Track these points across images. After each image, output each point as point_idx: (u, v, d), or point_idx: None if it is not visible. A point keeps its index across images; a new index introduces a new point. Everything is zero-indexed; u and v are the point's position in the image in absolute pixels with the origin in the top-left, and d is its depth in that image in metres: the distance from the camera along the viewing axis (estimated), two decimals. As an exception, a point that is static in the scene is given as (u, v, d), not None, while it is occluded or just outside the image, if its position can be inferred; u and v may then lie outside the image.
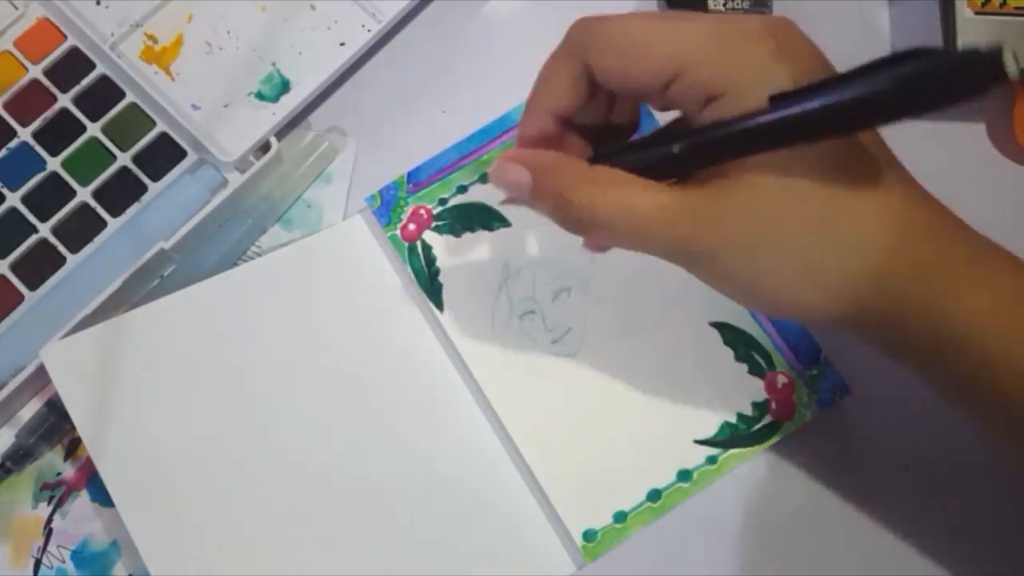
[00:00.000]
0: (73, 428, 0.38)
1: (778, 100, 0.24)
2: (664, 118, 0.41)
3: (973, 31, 0.39)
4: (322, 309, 0.40)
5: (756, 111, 0.25)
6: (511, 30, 0.44)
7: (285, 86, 0.42)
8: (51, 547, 0.39)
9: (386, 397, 0.39)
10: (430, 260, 0.40)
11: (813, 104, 0.24)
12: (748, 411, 0.39)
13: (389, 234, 0.41)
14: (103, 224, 0.41)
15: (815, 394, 0.39)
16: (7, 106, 0.42)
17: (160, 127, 0.42)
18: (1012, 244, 0.41)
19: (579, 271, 0.40)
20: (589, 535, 0.37)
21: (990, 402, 0.29)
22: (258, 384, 0.39)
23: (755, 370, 0.39)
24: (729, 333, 0.39)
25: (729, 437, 0.38)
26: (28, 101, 0.42)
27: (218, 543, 0.37)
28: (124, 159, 0.41)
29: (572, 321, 0.40)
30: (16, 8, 0.42)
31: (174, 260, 0.40)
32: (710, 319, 0.39)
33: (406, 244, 0.41)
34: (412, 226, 0.41)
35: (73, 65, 0.42)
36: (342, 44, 0.42)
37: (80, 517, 0.39)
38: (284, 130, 0.42)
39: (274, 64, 0.42)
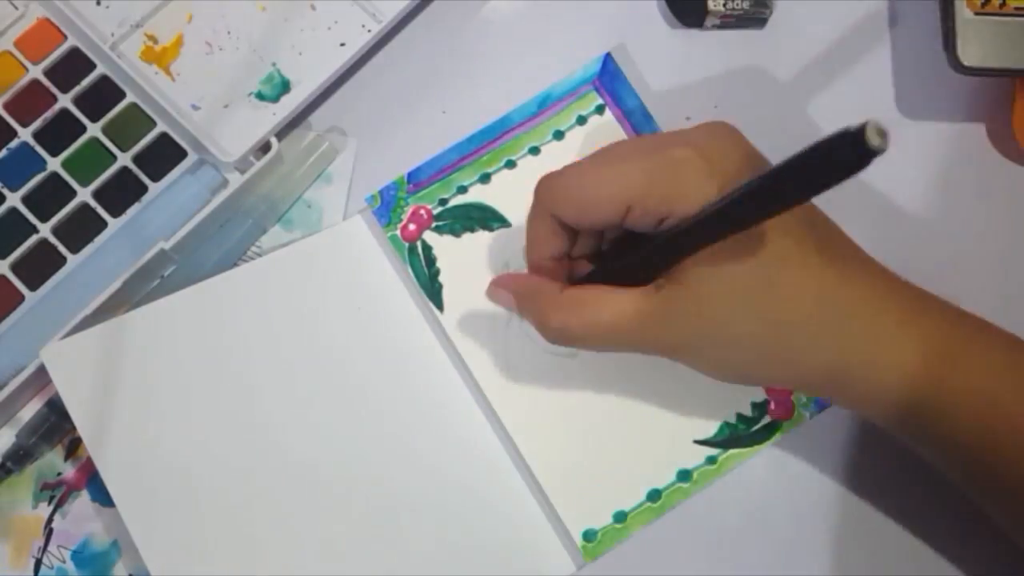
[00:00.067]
0: (73, 428, 0.38)
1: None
2: (664, 120, 0.41)
3: (973, 31, 0.39)
4: (322, 309, 0.40)
5: (693, 215, 0.29)
6: (511, 30, 0.44)
7: (285, 86, 0.42)
8: (51, 547, 0.39)
9: (386, 397, 0.39)
10: (430, 260, 0.40)
11: (722, 203, 0.28)
12: (748, 411, 0.39)
13: (389, 234, 0.41)
14: (103, 224, 0.41)
15: (815, 394, 0.39)
16: (7, 106, 0.42)
17: (160, 127, 0.42)
18: (1012, 244, 0.41)
19: (579, 271, 0.40)
20: (589, 535, 0.37)
21: (929, 451, 0.33)
22: (258, 384, 0.39)
23: (755, 370, 0.39)
24: (729, 333, 0.39)
25: (729, 437, 0.38)
26: (28, 101, 0.42)
27: (218, 543, 0.37)
28: (124, 159, 0.41)
29: (572, 321, 0.40)
30: (16, 8, 0.42)
31: (174, 260, 0.41)
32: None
33: (406, 244, 0.41)
34: (412, 226, 0.41)
35: (73, 65, 0.42)
36: (342, 44, 0.42)
37: (80, 517, 0.39)
38: (284, 130, 0.42)
39: (274, 64, 0.42)
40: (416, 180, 0.41)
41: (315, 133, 0.43)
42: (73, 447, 0.40)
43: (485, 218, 0.41)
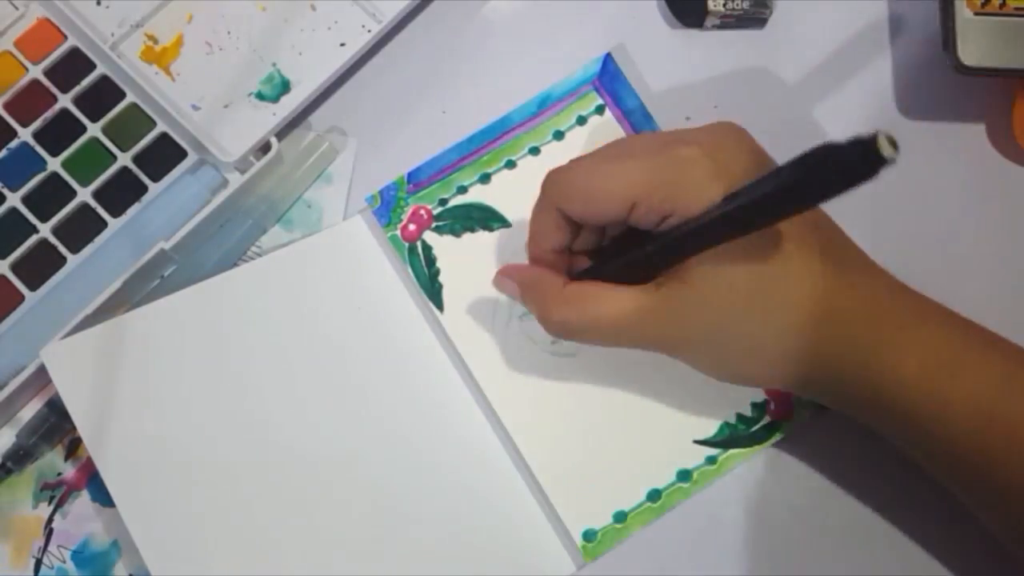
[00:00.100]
0: (73, 428, 0.38)
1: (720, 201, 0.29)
2: (664, 121, 0.41)
3: (973, 31, 0.39)
4: (322, 309, 0.40)
5: (698, 215, 0.29)
6: (511, 30, 0.44)
7: (285, 86, 0.42)
8: (52, 547, 0.39)
9: (386, 398, 0.39)
10: (430, 260, 0.40)
11: (728, 206, 0.28)
12: (747, 411, 0.39)
13: (389, 234, 0.41)
14: (103, 224, 0.41)
15: (815, 394, 0.39)
16: (7, 106, 0.42)
17: (160, 127, 0.42)
18: (1012, 244, 0.41)
19: (579, 271, 0.40)
20: (589, 535, 0.37)
21: (923, 456, 0.34)
22: (258, 384, 0.39)
23: (755, 370, 0.39)
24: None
25: (729, 437, 0.38)
26: (28, 101, 0.42)
27: (218, 543, 0.37)
28: (124, 159, 0.41)
29: (572, 321, 0.40)
30: (16, 8, 0.42)
31: (174, 260, 0.41)
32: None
33: (406, 244, 0.41)
34: (412, 226, 0.41)
35: (73, 65, 0.42)
36: (342, 44, 0.42)
37: (81, 517, 0.39)
38: (284, 130, 0.42)
39: (274, 64, 0.42)
40: (416, 180, 0.41)
41: (315, 133, 0.43)
42: (73, 447, 0.40)
43: (485, 218, 0.41)
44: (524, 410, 0.39)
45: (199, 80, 0.42)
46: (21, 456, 0.39)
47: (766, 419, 0.39)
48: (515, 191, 0.41)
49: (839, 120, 0.43)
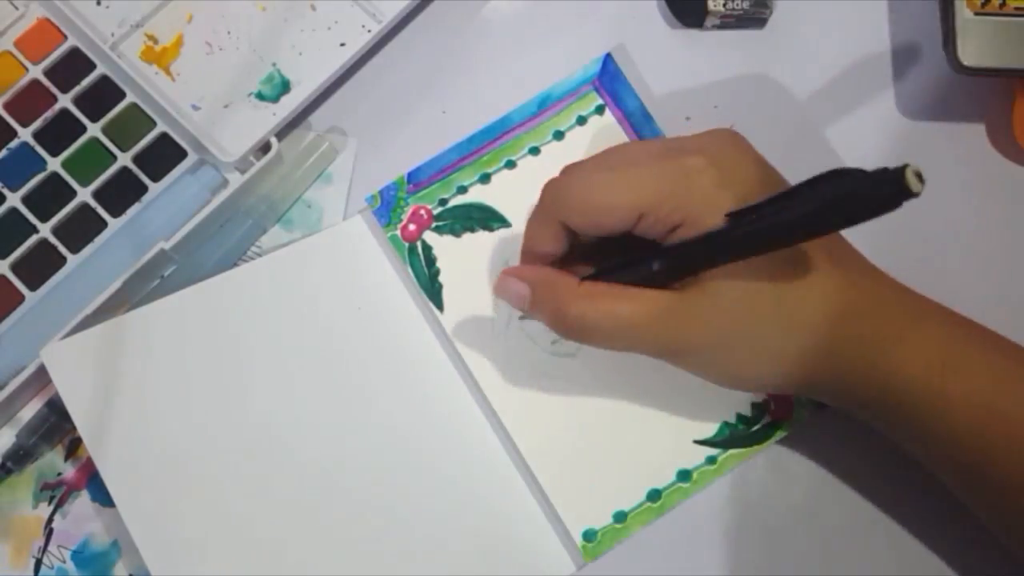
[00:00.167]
0: (73, 428, 0.38)
1: (732, 217, 0.29)
2: (664, 121, 0.41)
3: (973, 31, 0.39)
4: (322, 309, 0.40)
5: (718, 231, 0.29)
6: (511, 30, 0.44)
7: (285, 86, 0.42)
8: (52, 547, 0.39)
9: (386, 398, 0.39)
10: (430, 260, 0.40)
11: (754, 227, 0.28)
12: (747, 411, 0.39)
13: (389, 234, 0.41)
14: (103, 224, 0.41)
15: (815, 394, 0.39)
16: (7, 106, 0.42)
17: (160, 127, 0.42)
18: (1012, 244, 0.41)
19: (579, 271, 0.40)
20: (589, 535, 0.37)
21: (925, 453, 0.34)
22: (258, 384, 0.39)
23: (755, 370, 0.39)
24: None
25: (729, 437, 0.38)
26: (28, 101, 0.42)
27: (218, 543, 0.37)
28: (124, 159, 0.41)
29: (572, 321, 0.40)
30: (16, 8, 0.43)
31: (174, 260, 0.41)
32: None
33: (406, 244, 0.41)
34: (412, 226, 0.41)
35: (73, 65, 0.42)
36: (342, 44, 0.42)
37: (81, 517, 0.39)
38: (284, 130, 0.42)
39: (274, 64, 0.42)
40: (416, 180, 0.41)
41: (315, 133, 0.43)
42: (73, 447, 0.40)
43: (485, 218, 0.41)
44: (524, 410, 0.39)
45: (199, 80, 0.42)
46: (21, 456, 0.39)
47: (766, 419, 0.39)
48: (515, 191, 0.41)
49: (839, 120, 0.43)
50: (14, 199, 0.41)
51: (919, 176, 0.23)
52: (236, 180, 0.41)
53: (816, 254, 0.31)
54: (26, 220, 0.41)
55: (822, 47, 0.43)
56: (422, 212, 0.41)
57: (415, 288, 0.40)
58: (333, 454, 0.38)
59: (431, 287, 0.40)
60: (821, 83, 0.43)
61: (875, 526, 0.38)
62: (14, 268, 0.40)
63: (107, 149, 0.41)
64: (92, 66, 0.42)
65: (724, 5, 0.42)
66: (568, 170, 0.34)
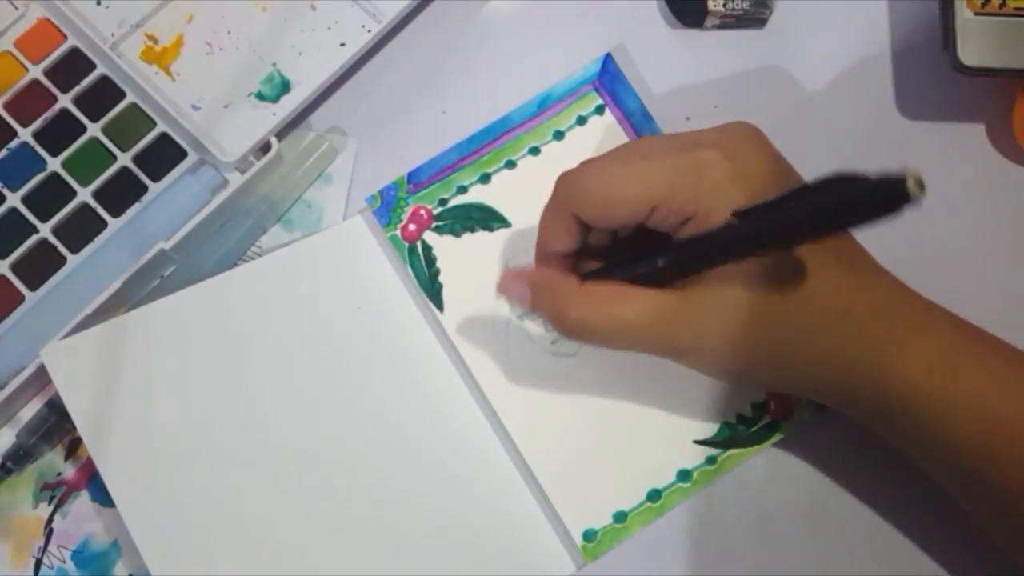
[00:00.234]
0: (73, 428, 0.38)
1: (738, 215, 0.29)
2: (664, 121, 0.41)
3: (973, 31, 0.39)
4: (322, 309, 0.40)
5: (721, 230, 0.29)
6: (511, 30, 0.44)
7: (285, 86, 0.42)
8: (52, 547, 0.39)
9: (386, 398, 0.39)
10: (430, 260, 0.40)
11: (756, 227, 0.28)
12: (747, 411, 0.39)
13: (389, 234, 0.41)
14: (103, 224, 0.41)
15: (815, 394, 0.39)
16: (7, 106, 0.42)
17: (160, 127, 0.42)
18: (1011, 243, 0.41)
19: (579, 271, 0.40)
20: (589, 535, 0.37)
21: (926, 457, 0.34)
22: (259, 384, 0.39)
23: (755, 370, 0.39)
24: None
25: (729, 437, 0.38)
26: (28, 101, 0.42)
27: (218, 543, 0.37)
28: (124, 159, 0.41)
29: (572, 321, 0.40)
30: (16, 8, 0.43)
31: (174, 260, 0.41)
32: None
33: (406, 244, 0.41)
34: (412, 226, 0.41)
35: (73, 65, 0.42)
36: (342, 44, 0.42)
37: (81, 517, 0.39)
38: (284, 130, 0.42)
39: (274, 64, 0.42)
40: (416, 180, 0.41)
41: (315, 133, 0.43)
42: (73, 447, 0.40)
43: (485, 218, 0.41)
44: (524, 410, 0.39)
45: (199, 80, 0.42)
46: (21, 456, 0.39)
47: (766, 419, 0.39)
48: (515, 191, 0.41)
49: (839, 120, 0.43)
50: (14, 199, 0.41)
51: (920, 183, 0.23)
52: (236, 180, 0.41)
53: (824, 255, 0.31)
54: (26, 220, 0.41)
55: (822, 47, 0.43)
56: (422, 212, 0.41)
57: (415, 288, 0.40)
58: (333, 454, 0.38)
59: (431, 287, 0.40)
60: (821, 83, 0.43)
61: (875, 526, 0.38)
62: (14, 268, 0.40)
63: (107, 149, 0.41)
64: (92, 66, 0.42)
65: (724, 5, 0.42)
66: (582, 164, 0.34)
